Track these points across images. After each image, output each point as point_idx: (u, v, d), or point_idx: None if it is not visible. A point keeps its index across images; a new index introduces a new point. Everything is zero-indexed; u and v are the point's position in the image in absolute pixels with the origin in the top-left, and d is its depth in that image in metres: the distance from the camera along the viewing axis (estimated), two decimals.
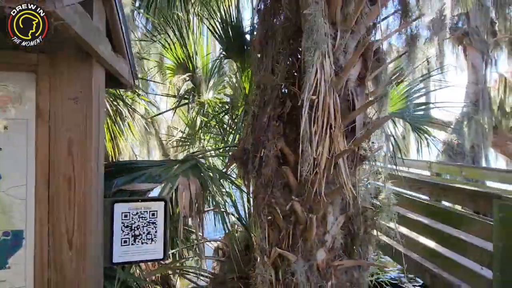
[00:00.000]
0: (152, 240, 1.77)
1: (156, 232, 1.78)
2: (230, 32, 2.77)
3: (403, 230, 3.91)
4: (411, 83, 3.13)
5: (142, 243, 1.76)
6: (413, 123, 3.10)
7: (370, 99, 1.95)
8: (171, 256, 2.77)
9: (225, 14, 2.76)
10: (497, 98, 10.51)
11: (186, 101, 3.14)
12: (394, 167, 2.93)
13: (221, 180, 2.22)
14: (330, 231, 2.01)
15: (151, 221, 1.77)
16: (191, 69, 3.06)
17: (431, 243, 3.37)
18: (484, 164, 8.94)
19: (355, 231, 2.03)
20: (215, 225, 3.30)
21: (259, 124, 1.84)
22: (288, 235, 1.97)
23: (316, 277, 1.90)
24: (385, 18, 2.22)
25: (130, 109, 2.96)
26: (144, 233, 1.77)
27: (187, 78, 3.02)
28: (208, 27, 2.91)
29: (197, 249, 3.03)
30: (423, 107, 3.17)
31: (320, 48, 1.54)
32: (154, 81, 4.08)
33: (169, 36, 3.18)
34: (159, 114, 4.14)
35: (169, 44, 3.23)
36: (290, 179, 1.89)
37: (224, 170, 2.50)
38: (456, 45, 10.80)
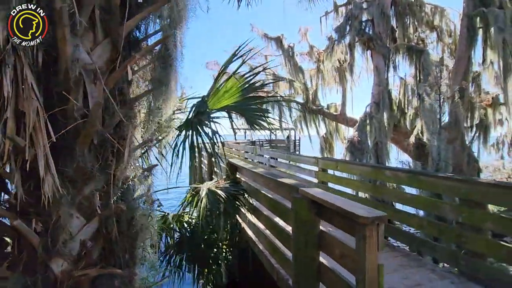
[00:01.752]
0: None
1: None
2: None
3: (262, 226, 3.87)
4: (246, 78, 3.07)
5: None
6: (248, 117, 3.04)
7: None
8: None
9: None
10: (397, 99, 11.61)
11: None
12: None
13: None
14: (75, 237, 1.74)
15: None
16: None
17: (272, 238, 3.34)
18: (385, 159, 9.79)
19: (109, 234, 1.79)
20: None
21: None
22: (16, 247, 1.65)
23: None
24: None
25: None
26: None
27: None
28: None
29: None
30: (257, 101, 3.14)
31: None
32: None
33: None
34: None
35: None
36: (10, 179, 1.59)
37: None
38: (365, 50, 11.68)
